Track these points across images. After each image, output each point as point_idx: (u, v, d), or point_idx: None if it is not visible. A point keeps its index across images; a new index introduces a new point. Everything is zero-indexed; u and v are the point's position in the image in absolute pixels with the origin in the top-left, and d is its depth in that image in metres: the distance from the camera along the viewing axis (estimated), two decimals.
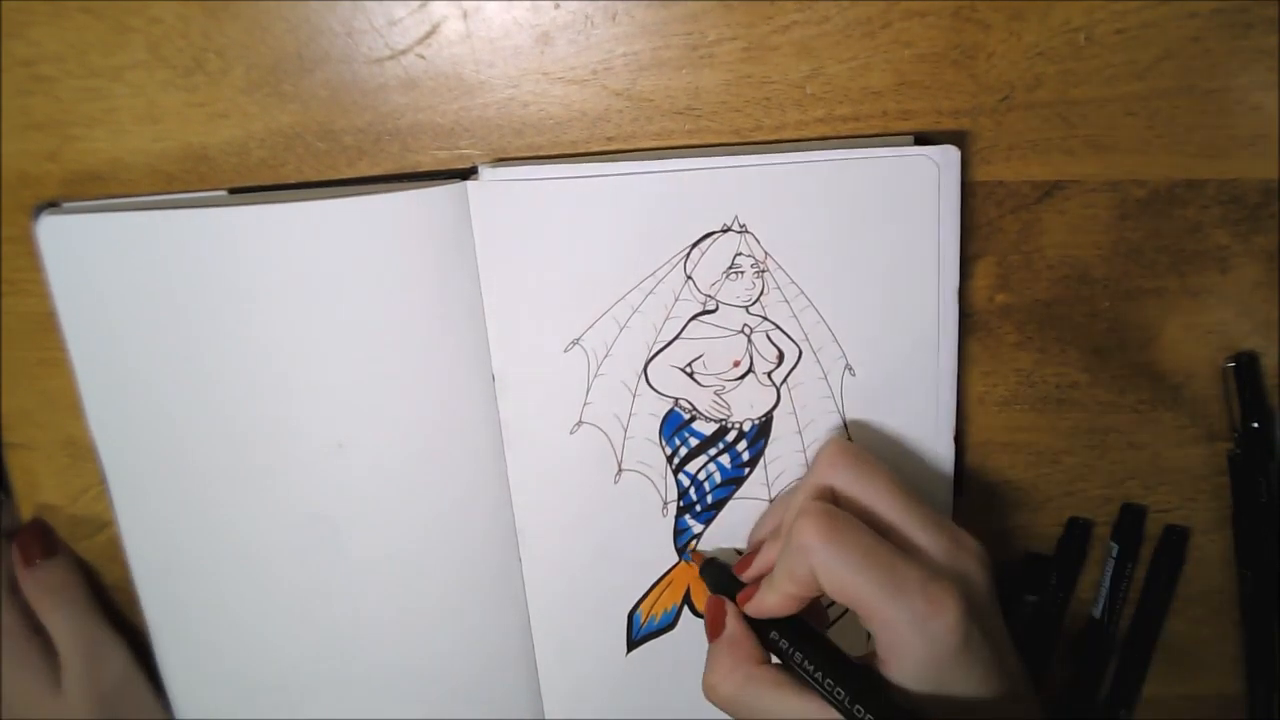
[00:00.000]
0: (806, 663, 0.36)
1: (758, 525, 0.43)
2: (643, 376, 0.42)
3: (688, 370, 0.42)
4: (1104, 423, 0.44)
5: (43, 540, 0.45)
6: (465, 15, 0.39)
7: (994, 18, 0.38)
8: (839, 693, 0.35)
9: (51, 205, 0.41)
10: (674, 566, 0.44)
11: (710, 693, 0.38)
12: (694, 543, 0.44)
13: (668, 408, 0.42)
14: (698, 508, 0.43)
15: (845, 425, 0.42)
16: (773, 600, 0.38)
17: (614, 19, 0.39)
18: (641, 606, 0.45)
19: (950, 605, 0.34)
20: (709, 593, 0.42)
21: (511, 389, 0.42)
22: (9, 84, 0.40)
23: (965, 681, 0.34)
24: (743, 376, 0.42)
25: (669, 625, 0.45)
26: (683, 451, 0.43)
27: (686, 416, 0.42)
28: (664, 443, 0.42)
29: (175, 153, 0.40)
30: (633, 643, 0.45)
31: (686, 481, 0.43)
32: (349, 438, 0.41)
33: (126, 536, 0.43)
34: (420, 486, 0.42)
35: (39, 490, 0.45)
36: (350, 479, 0.42)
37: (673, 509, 0.43)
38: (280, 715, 0.45)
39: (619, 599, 0.45)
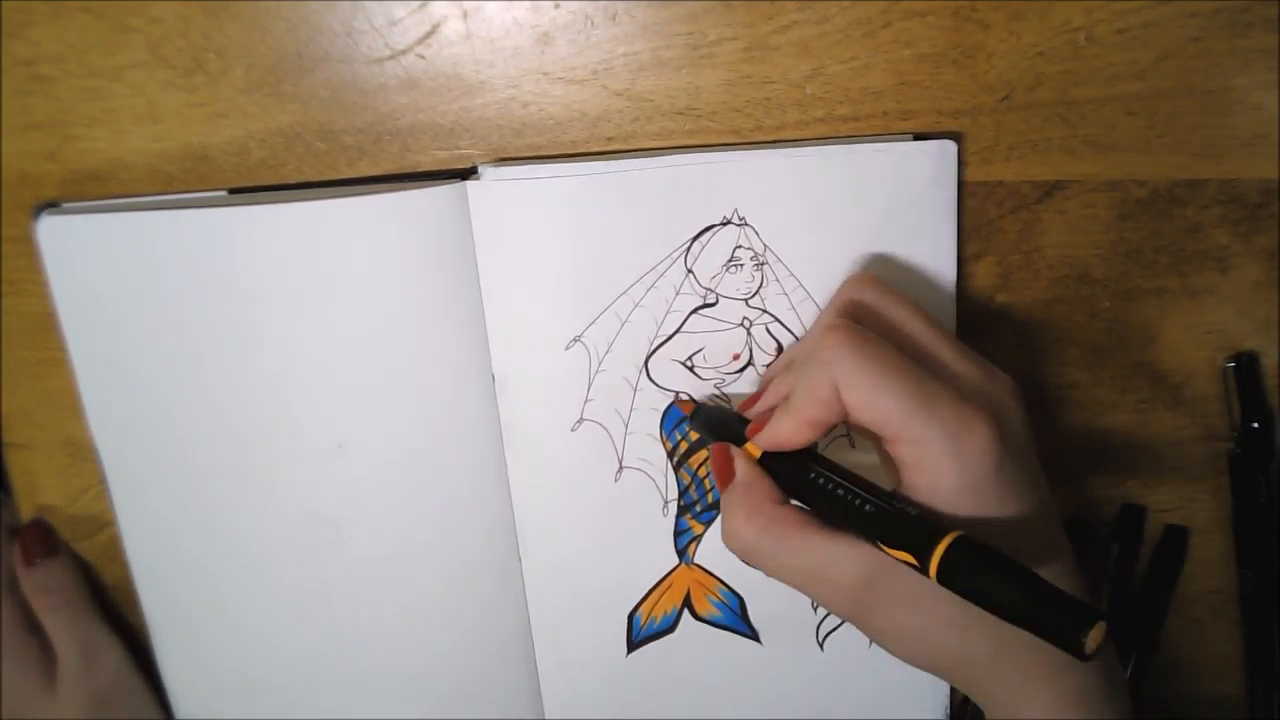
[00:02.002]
0: (834, 486, 0.34)
1: (769, 370, 0.41)
2: (644, 371, 0.42)
3: (688, 364, 0.42)
4: (1104, 423, 0.44)
5: (44, 540, 0.45)
6: (465, 15, 0.39)
7: (994, 18, 0.38)
8: (875, 502, 0.32)
9: (51, 205, 0.41)
10: (674, 569, 0.44)
11: (731, 541, 0.35)
12: (694, 546, 0.44)
13: (668, 402, 0.42)
14: (698, 507, 0.43)
15: None
16: (787, 427, 0.35)
17: (614, 19, 0.39)
18: (641, 608, 0.45)
19: (983, 427, 0.32)
20: (710, 442, 0.39)
21: (511, 388, 0.42)
22: (9, 84, 0.40)
23: (999, 510, 0.32)
24: (742, 369, 0.42)
25: (669, 628, 0.45)
26: (683, 447, 0.43)
27: (686, 411, 0.42)
28: (664, 437, 0.42)
29: (175, 153, 0.40)
30: (633, 644, 0.45)
31: (687, 479, 0.43)
32: (349, 438, 0.41)
33: (126, 536, 0.43)
34: (420, 486, 0.42)
35: (39, 490, 0.45)
36: (350, 479, 0.42)
37: (673, 508, 0.43)
38: (280, 715, 0.45)
39: (619, 600, 0.45)
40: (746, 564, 0.35)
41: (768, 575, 0.35)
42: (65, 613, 0.44)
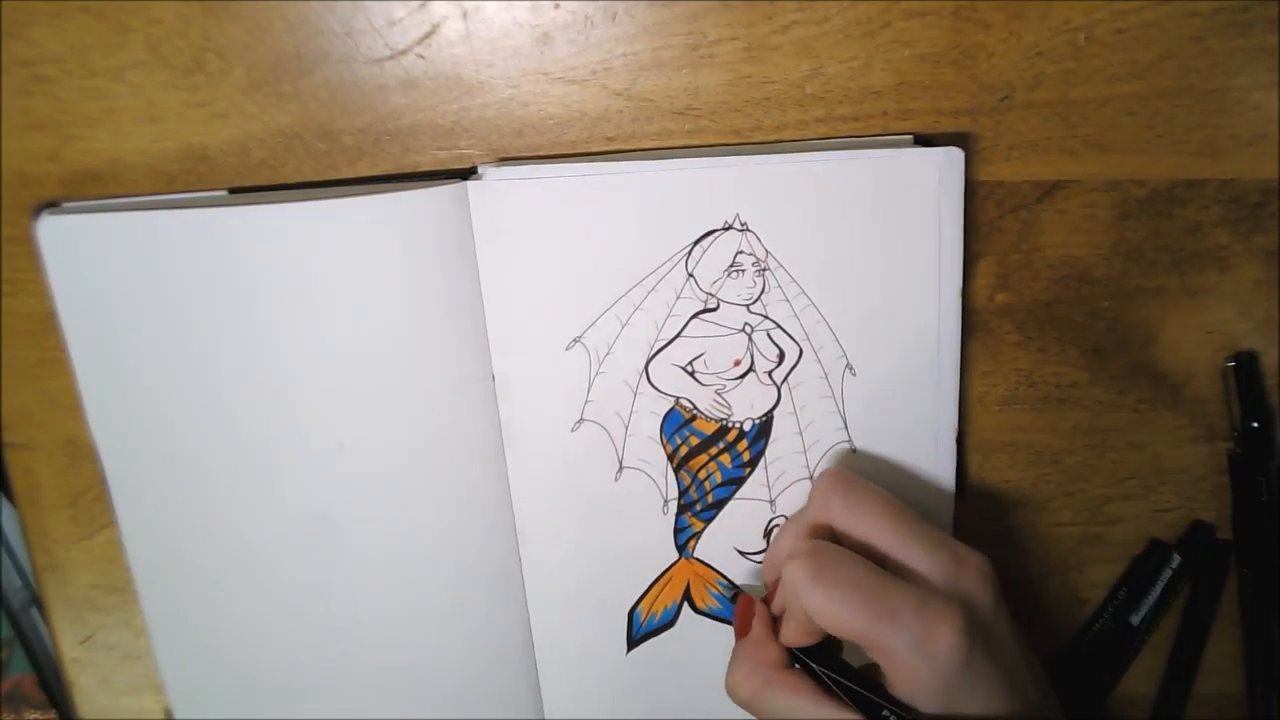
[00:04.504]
0: (830, 673, 0.37)
1: (772, 550, 0.43)
2: (644, 375, 0.42)
3: (689, 369, 0.42)
4: (1104, 423, 0.44)
5: None
6: (465, 15, 0.39)
7: (994, 18, 0.38)
8: (865, 698, 0.35)
9: (51, 205, 0.41)
10: (674, 564, 0.44)
11: (731, 693, 0.39)
12: (694, 542, 0.44)
13: (668, 406, 0.42)
14: (698, 505, 0.43)
15: (846, 425, 0.42)
16: (790, 636, 0.38)
17: (614, 19, 0.39)
18: (641, 604, 0.45)
19: (947, 625, 0.34)
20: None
21: (512, 388, 0.42)
22: (9, 84, 0.40)
23: (972, 701, 0.34)
24: (743, 375, 0.42)
25: (669, 623, 0.45)
26: (684, 451, 0.43)
27: (687, 416, 0.42)
28: (665, 441, 0.42)
29: (175, 153, 0.40)
30: (633, 641, 0.45)
31: (687, 480, 0.43)
32: (349, 438, 0.41)
33: (126, 536, 0.43)
34: (420, 486, 0.42)
35: (39, 490, 0.45)
36: (350, 479, 0.42)
37: (673, 507, 0.43)
38: (280, 715, 0.45)
39: (619, 597, 0.45)
40: (745, 711, 0.39)
41: None
42: None
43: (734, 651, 0.40)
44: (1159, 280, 0.42)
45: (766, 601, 0.41)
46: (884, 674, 0.35)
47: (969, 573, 0.36)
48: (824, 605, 0.35)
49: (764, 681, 0.37)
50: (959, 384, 0.42)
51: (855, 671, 0.37)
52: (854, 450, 0.43)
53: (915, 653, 0.34)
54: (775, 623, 0.39)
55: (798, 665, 0.38)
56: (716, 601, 0.45)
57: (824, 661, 0.38)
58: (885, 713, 0.34)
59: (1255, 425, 0.42)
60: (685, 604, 0.45)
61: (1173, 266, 0.42)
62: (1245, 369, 0.42)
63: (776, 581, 0.40)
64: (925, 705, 0.34)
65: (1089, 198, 0.41)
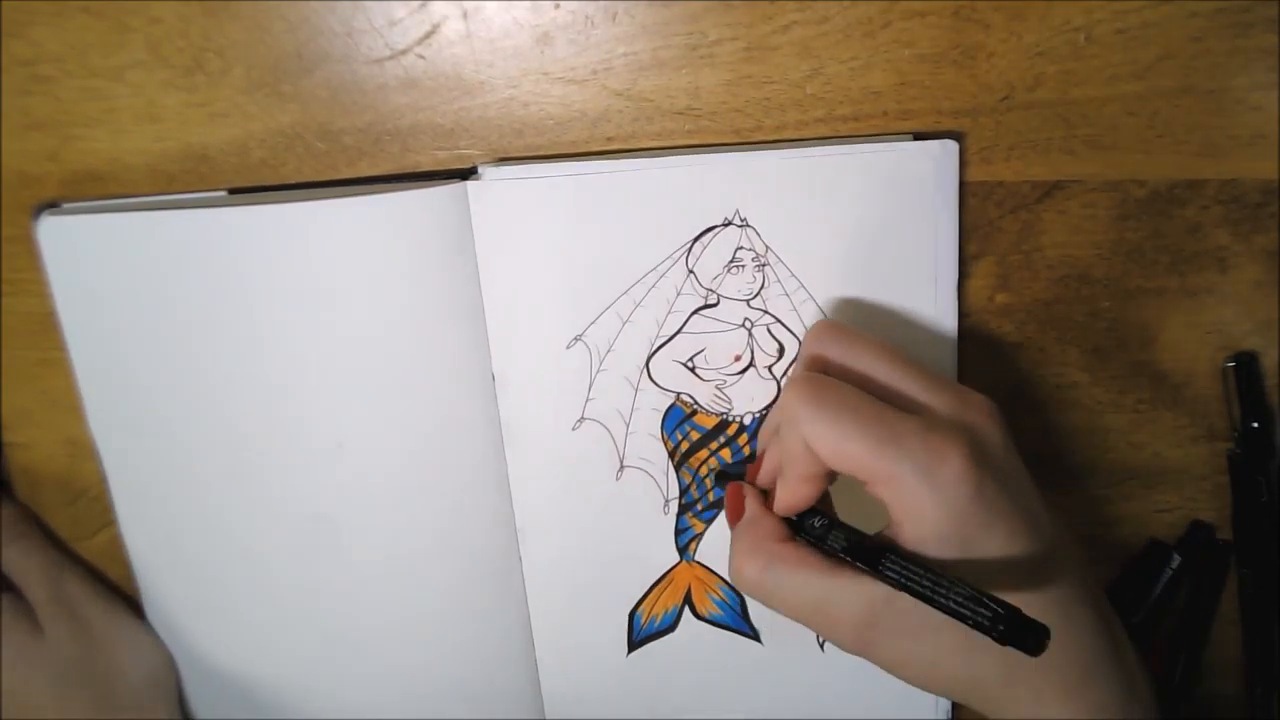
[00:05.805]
0: (837, 537, 0.35)
1: (763, 430, 0.41)
2: (645, 371, 0.42)
3: (689, 365, 0.42)
4: (1104, 423, 0.44)
5: None
6: (465, 15, 0.39)
7: (994, 18, 0.38)
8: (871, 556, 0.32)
9: (51, 205, 0.41)
10: (675, 566, 0.44)
11: (736, 577, 0.36)
12: (695, 544, 0.44)
13: (669, 402, 0.42)
14: (699, 506, 0.43)
15: None
16: (787, 494, 0.36)
17: (614, 19, 0.39)
18: (642, 607, 0.45)
19: (954, 451, 0.32)
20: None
21: (512, 387, 0.42)
22: (9, 84, 0.40)
23: (990, 541, 0.32)
24: (744, 370, 0.42)
25: (669, 626, 0.45)
26: (684, 446, 0.43)
27: (688, 411, 0.42)
28: (665, 437, 0.42)
29: (175, 153, 0.40)
30: (633, 643, 0.45)
31: (688, 478, 0.43)
32: (349, 438, 0.41)
33: (126, 536, 0.43)
34: (420, 486, 0.42)
35: (39, 490, 0.45)
36: (350, 479, 0.42)
37: (674, 507, 0.43)
38: (280, 715, 0.45)
39: (620, 599, 0.45)
40: (754, 599, 0.36)
41: (773, 610, 0.35)
42: (19, 546, 0.43)
43: (733, 537, 0.37)
44: (1159, 280, 0.42)
45: (751, 476, 0.39)
46: (890, 512, 0.33)
47: (975, 411, 0.34)
48: (823, 430, 0.32)
49: (769, 558, 0.35)
50: (957, 380, 0.42)
51: (856, 531, 0.35)
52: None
53: (923, 482, 0.31)
54: (768, 499, 0.37)
55: (800, 537, 0.36)
56: (718, 608, 0.45)
57: (824, 524, 0.35)
58: (886, 564, 0.31)
59: (1255, 425, 0.42)
60: (686, 608, 0.45)
61: (1173, 266, 0.42)
62: (1245, 369, 0.42)
63: (764, 450, 0.38)
64: (938, 549, 0.32)
65: (1089, 198, 0.41)
